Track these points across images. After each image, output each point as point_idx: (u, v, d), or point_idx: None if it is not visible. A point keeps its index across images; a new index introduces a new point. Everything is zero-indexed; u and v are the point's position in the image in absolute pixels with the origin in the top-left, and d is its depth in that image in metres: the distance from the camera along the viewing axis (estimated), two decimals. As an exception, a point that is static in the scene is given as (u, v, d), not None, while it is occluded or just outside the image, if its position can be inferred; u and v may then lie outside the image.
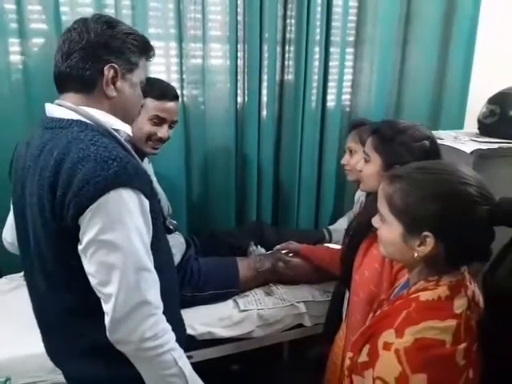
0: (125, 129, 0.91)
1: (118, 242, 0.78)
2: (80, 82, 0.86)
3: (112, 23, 0.87)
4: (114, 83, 0.87)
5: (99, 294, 0.81)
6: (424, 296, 0.76)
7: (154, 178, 1.40)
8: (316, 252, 1.60)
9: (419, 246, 0.76)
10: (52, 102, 0.90)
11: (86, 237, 0.77)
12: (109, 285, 0.78)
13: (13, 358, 1.26)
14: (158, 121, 1.36)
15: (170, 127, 1.41)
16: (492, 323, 0.77)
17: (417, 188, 0.77)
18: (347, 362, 0.86)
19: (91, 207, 0.76)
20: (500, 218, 0.73)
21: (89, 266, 0.80)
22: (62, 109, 0.86)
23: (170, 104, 1.38)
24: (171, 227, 1.00)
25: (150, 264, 0.83)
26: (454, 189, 0.74)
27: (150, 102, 1.33)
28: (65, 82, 0.87)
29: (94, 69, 0.85)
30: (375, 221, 0.87)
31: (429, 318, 0.72)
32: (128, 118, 0.93)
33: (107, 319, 0.80)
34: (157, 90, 1.35)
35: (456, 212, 0.74)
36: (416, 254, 0.77)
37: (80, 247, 0.79)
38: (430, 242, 0.75)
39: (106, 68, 0.85)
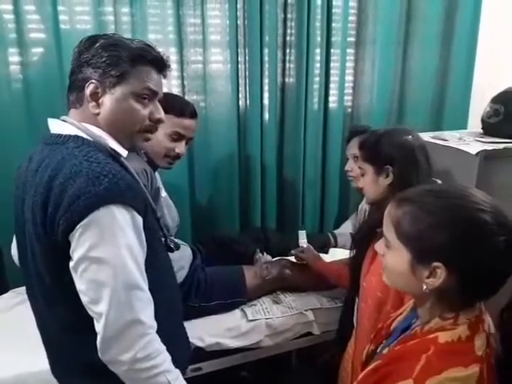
0: (120, 151, 0.88)
1: (108, 259, 0.76)
2: (75, 100, 0.87)
3: (93, 39, 0.86)
4: (97, 99, 0.86)
5: (91, 313, 0.80)
6: (443, 337, 0.69)
7: (163, 190, 1.39)
8: (326, 270, 1.57)
9: (428, 277, 0.69)
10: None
11: (76, 254, 0.77)
12: (99, 303, 0.77)
13: (18, 375, 1.25)
14: (177, 137, 1.37)
15: (186, 143, 1.42)
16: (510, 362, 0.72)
17: (427, 213, 0.70)
18: None
19: (81, 223, 0.75)
20: None
21: (80, 284, 0.79)
22: (64, 124, 0.87)
23: (190, 121, 1.40)
24: (172, 246, 0.98)
25: (143, 282, 0.81)
26: (468, 216, 0.68)
27: (170, 119, 1.33)
28: (68, 100, 0.90)
29: (81, 87, 0.86)
30: (379, 247, 0.81)
31: (451, 366, 0.65)
32: (123, 132, 0.89)
33: (99, 338, 0.79)
34: (177, 107, 1.36)
35: (470, 241, 0.67)
36: (425, 287, 0.70)
37: (71, 264, 0.78)
38: (441, 273, 0.68)
39: (86, 85, 0.85)
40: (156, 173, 1.44)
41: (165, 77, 0.93)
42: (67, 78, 0.92)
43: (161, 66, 0.91)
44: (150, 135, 0.94)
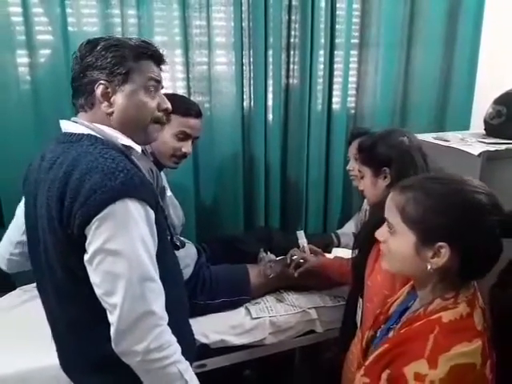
0: (134, 146, 0.91)
1: (124, 251, 0.79)
2: (84, 103, 0.90)
3: (93, 42, 0.89)
4: (108, 99, 0.88)
5: (105, 305, 0.82)
6: (446, 317, 0.74)
7: (168, 190, 1.42)
8: (329, 266, 1.58)
9: (432, 257, 0.74)
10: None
11: (91, 246, 0.79)
12: (114, 295, 0.79)
13: (27, 371, 1.27)
14: (183, 136, 1.40)
15: (192, 142, 1.45)
16: (504, 336, 0.76)
17: (430, 197, 0.76)
18: None
19: (97, 217, 0.77)
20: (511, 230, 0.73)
21: (94, 276, 0.81)
22: (75, 125, 0.90)
23: (195, 121, 1.43)
24: (178, 243, 1.01)
25: (156, 274, 0.84)
26: (467, 198, 0.74)
27: (176, 119, 1.36)
28: (75, 104, 0.92)
29: (90, 90, 0.88)
30: (380, 234, 0.85)
31: (457, 342, 0.71)
32: (136, 129, 0.93)
33: (112, 330, 0.81)
34: (182, 107, 1.38)
35: (470, 220, 0.73)
36: (429, 266, 0.75)
37: (86, 257, 0.80)
38: (445, 253, 0.73)
39: (95, 87, 0.87)
40: (162, 172, 1.47)
41: (161, 70, 0.97)
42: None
43: (159, 59, 0.95)
44: (161, 126, 0.97)
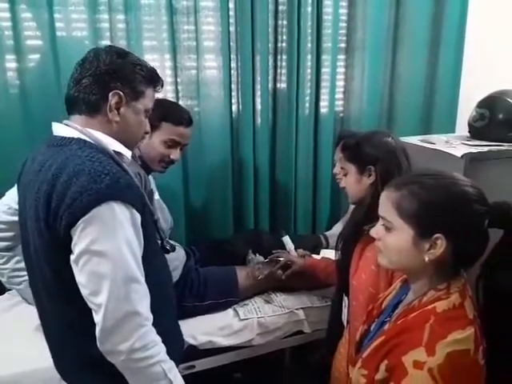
0: (125, 153, 0.94)
1: (109, 252, 0.80)
2: (86, 106, 0.91)
3: (122, 53, 0.93)
4: (117, 109, 0.91)
5: (90, 305, 0.83)
6: (440, 307, 0.77)
7: (156, 193, 1.43)
8: (316, 268, 1.59)
9: (429, 249, 0.78)
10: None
11: (77, 247, 0.80)
12: (99, 295, 0.81)
13: (20, 373, 1.27)
14: (172, 144, 1.41)
15: (181, 149, 1.47)
16: (492, 324, 0.80)
17: (425, 190, 0.79)
18: (361, 380, 0.84)
19: (83, 219, 0.79)
20: (495, 220, 0.77)
21: (80, 277, 0.82)
22: (67, 128, 0.91)
23: (186, 130, 1.44)
24: (168, 247, 1.03)
25: (141, 276, 0.85)
26: (459, 190, 0.78)
27: (167, 126, 1.38)
28: (73, 105, 0.92)
29: (100, 94, 0.89)
30: (375, 232, 0.87)
31: (452, 330, 0.74)
32: (129, 143, 0.97)
33: (97, 329, 0.83)
34: (175, 115, 1.40)
35: (463, 212, 0.77)
36: (427, 258, 0.78)
37: (72, 258, 0.82)
38: (442, 243, 0.76)
39: (110, 94, 0.89)
40: (150, 176, 1.48)
41: None
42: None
43: (157, 91, 1.00)
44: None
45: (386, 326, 0.86)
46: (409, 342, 0.76)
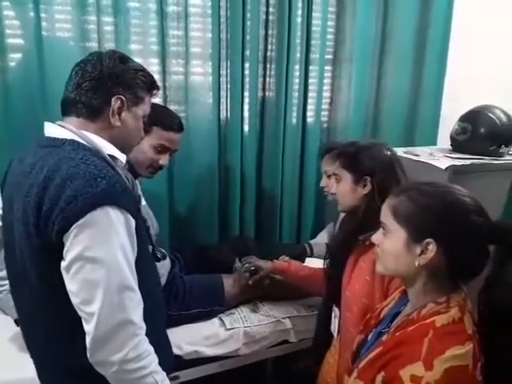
0: (120, 157, 0.92)
1: (103, 259, 0.78)
2: (86, 109, 0.89)
3: (124, 59, 0.92)
4: (119, 114, 0.90)
5: (81, 314, 0.80)
6: (440, 321, 0.77)
7: (142, 199, 1.40)
8: (286, 271, 1.57)
9: (420, 254, 0.79)
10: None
11: (70, 254, 0.77)
12: (92, 303, 0.78)
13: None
14: (162, 149, 1.39)
15: (170, 155, 1.44)
16: (492, 340, 0.80)
17: (421, 196, 0.81)
18: None
19: (77, 224, 0.76)
20: (496, 235, 0.78)
21: (71, 285, 0.79)
22: (60, 129, 0.89)
23: (176, 135, 1.42)
24: (159, 255, 1.00)
25: (135, 283, 0.83)
26: (454, 199, 0.80)
27: (158, 131, 1.36)
28: (71, 107, 0.90)
29: (103, 98, 0.88)
30: (375, 238, 0.89)
31: (451, 345, 0.74)
32: (127, 148, 0.96)
33: (88, 339, 0.79)
34: (165, 120, 1.38)
35: (456, 219, 0.78)
36: (417, 262, 0.79)
37: (63, 264, 0.79)
38: (432, 248, 0.77)
39: (113, 99, 0.88)
40: (137, 181, 1.45)
41: None
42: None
43: (154, 94, 1.00)
44: None
45: (384, 337, 0.85)
46: (407, 355, 0.75)
